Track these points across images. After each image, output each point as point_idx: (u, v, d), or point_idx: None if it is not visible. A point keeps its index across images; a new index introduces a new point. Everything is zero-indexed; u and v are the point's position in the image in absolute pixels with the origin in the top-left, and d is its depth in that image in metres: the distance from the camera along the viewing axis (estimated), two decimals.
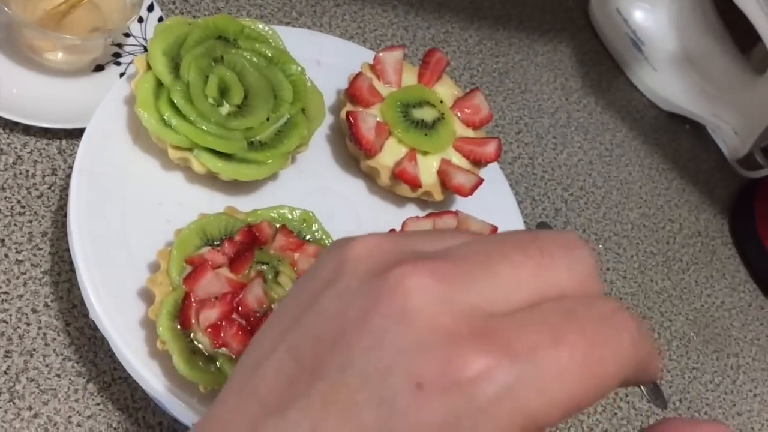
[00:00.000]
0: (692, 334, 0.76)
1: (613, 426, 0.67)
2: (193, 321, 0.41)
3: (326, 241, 0.48)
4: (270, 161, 0.48)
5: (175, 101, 0.46)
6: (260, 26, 0.52)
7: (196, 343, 0.41)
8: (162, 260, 0.43)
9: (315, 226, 0.48)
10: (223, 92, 0.48)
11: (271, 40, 0.52)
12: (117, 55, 0.58)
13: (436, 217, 0.51)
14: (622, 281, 0.75)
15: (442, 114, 0.57)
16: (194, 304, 0.41)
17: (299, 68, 0.51)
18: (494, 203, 0.60)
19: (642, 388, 0.68)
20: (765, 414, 0.75)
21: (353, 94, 0.54)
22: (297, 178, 0.53)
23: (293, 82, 0.51)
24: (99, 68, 0.57)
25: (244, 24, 0.51)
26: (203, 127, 0.46)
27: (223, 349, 0.41)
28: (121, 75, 0.57)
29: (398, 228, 0.51)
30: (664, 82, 0.89)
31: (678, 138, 0.92)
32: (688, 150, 0.91)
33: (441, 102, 0.57)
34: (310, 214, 0.48)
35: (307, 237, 0.47)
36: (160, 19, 0.60)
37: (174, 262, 0.42)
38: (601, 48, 0.94)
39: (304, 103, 0.50)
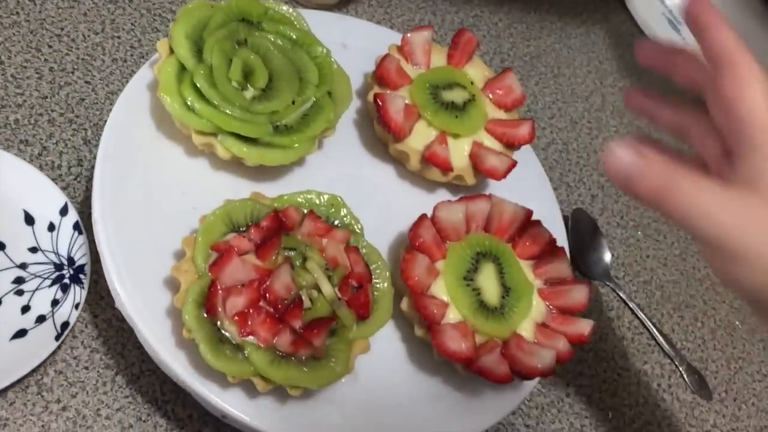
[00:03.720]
0: (737, 322, 0.73)
1: (656, 418, 0.64)
2: (220, 309, 0.40)
3: (355, 227, 0.46)
4: (296, 145, 0.46)
5: (198, 85, 0.44)
6: (284, 8, 0.51)
7: (223, 331, 0.40)
8: (187, 247, 0.42)
9: (343, 211, 0.46)
10: (247, 76, 0.47)
11: (295, 22, 0.51)
12: None
13: (469, 201, 0.49)
14: (663, 269, 0.73)
15: (473, 95, 0.55)
16: (220, 292, 0.40)
17: (325, 50, 0.50)
18: (528, 188, 0.58)
19: (686, 379, 0.65)
20: None
21: (381, 75, 0.53)
22: (324, 164, 0.51)
23: (319, 65, 0.49)
24: None
25: (267, 6, 0.50)
26: (227, 111, 0.44)
27: (251, 337, 0.40)
28: None
29: (429, 213, 0.49)
30: None
31: None
32: None
33: (472, 83, 0.55)
34: (338, 198, 0.46)
35: (336, 222, 0.46)
36: None
37: (199, 249, 0.41)
38: (637, 29, 0.91)
39: (330, 86, 0.49)
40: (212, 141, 0.45)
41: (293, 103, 0.47)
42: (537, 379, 0.49)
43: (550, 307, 0.49)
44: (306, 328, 0.40)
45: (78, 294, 0.48)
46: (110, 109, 0.47)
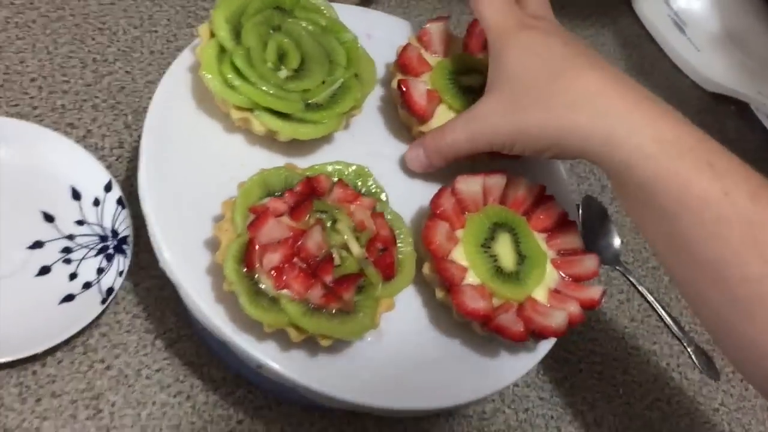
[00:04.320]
0: None
1: (665, 395, 0.67)
2: (257, 264, 0.43)
3: (381, 195, 0.49)
4: (325, 121, 0.50)
5: (236, 64, 0.48)
6: None
7: (260, 285, 0.43)
8: (226, 210, 0.46)
9: (370, 181, 0.49)
10: (281, 57, 0.51)
11: (325, 11, 0.54)
12: None
13: (486, 176, 0.52)
14: None
15: None
16: (258, 249, 0.43)
17: (352, 36, 0.54)
18: (542, 172, 0.61)
19: (694, 359, 0.68)
20: None
21: (403, 63, 0.56)
22: (350, 142, 0.55)
23: (347, 49, 0.53)
24: None
25: None
26: (263, 88, 0.48)
27: (286, 290, 0.43)
28: None
29: (449, 188, 0.52)
30: (708, 63, 0.89)
31: (723, 119, 0.92)
32: (733, 130, 0.91)
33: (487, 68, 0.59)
34: (365, 169, 0.50)
35: (363, 190, 0.49)
36: None
37: (238, 210, 0.45)
38: (643, 32, 0.94)
39: (357, 68, 0.53)
40: (249, 116, 0.49)
41: (323, 82, 0.51)
42: (551, 343, 0.52)
43: (563, 275, 0.52)
44: (336, 282, 0.43)
45: (122, 262, 0.52)
46: (149, 97, 0.51)
